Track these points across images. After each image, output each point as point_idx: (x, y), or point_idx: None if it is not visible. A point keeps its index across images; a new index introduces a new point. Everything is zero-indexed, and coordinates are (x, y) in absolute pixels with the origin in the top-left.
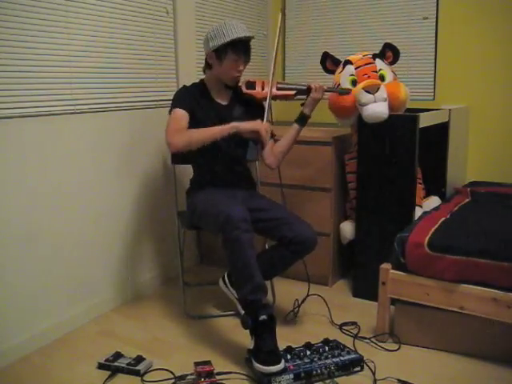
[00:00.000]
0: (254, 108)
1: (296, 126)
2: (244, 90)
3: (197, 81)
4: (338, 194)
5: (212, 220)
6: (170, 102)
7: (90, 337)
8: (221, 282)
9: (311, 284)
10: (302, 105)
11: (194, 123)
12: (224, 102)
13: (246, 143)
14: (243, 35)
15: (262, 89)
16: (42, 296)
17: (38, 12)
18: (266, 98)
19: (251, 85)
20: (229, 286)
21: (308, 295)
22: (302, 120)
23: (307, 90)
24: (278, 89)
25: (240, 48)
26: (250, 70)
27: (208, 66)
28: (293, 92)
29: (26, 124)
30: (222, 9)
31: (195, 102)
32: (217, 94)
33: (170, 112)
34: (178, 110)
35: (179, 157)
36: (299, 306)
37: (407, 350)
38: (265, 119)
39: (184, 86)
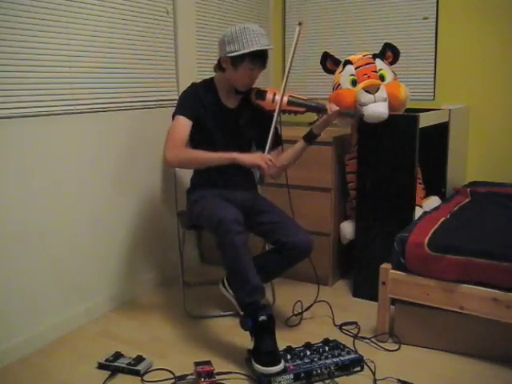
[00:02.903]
0: (261, 116)
1: (303, 142)
2: (253, 100)
3: (207, 77)
4: (338, 194)
5: (206, 222)
6: (173, 102)
7: (90, 337)
8: (221, 286)
9: (311, 284)
10: (311, 123)
11: (199, 127)
12: (232, 106)
13: (249, 148)
14: (265, 46)
15: (273, 100)
16: (42, 296)
17: (37, 12)
18: (274, 111)
19: (261, 94)
20: (228, 289)
21: (315, 301)
22: (310, 138)
23: (321, 110)
24: (289, 103)
25: (258, 59)
26: None
27: (220, 68)
28: (303, 109)
29: (26, 124)
30: (222, 9)
31: (201, 106)
32: (225, 97)
33: (173, 116)
34: (181, 118)
35: None
36: (302, 313)
37: (407, 350)
38: (266, 150)
39: (193, 83)
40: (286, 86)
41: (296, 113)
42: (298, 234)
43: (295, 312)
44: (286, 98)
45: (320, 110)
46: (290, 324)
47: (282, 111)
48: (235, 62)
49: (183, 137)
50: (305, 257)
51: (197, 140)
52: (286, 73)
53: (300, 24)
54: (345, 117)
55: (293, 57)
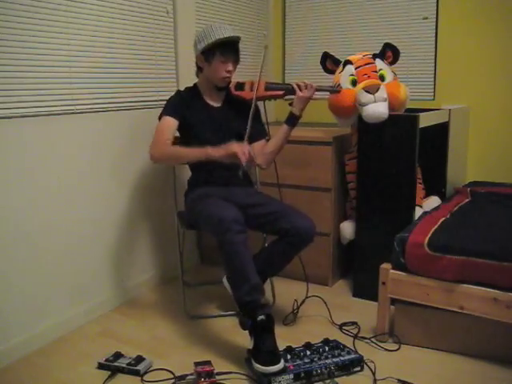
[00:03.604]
0: (246, 109)
1: (285, 126)
2: (233, 91)
3: (190, 85)
4: (338, 194)
5: (206, 222)
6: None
7: (90, 337)
8: (224, 280)
9: (311, 284)
10: (291, 104)
11: (188, 128)
12: (217, 104)
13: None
14: (228, 35)
15: (251, 89)
16: (42, 296)
17: (37, 12)
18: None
19: (240, 86)
20: None
21: (307, 297)
22: (291, 120)
23: (292, 89)
24: (266, 89)
25: (227, 49)
26: (250, 70)
27: (199, 70)
28: (281, 92)
29: (26, 124)
30: (222, 9)
31: (186, 107)
32: (209, 97)
33: (159, 117)
34: (166, 118)
35: None
36: (298, 308)
37: (407, 349)
38: (245, 138)
39: (178, 90)
40: (261, 73)
41: (276, 97)
42: (300, 219)
43: (294, 311)
44: (262, 85)
45: (290, 89)
46: (285, 323)
47: (262, 98)
48: (208, 58)
49: (167, 134)
50: (309, 241)
51: (187, 141)
52: (262, 61)
53: (265, 48)
54: (329, 95)
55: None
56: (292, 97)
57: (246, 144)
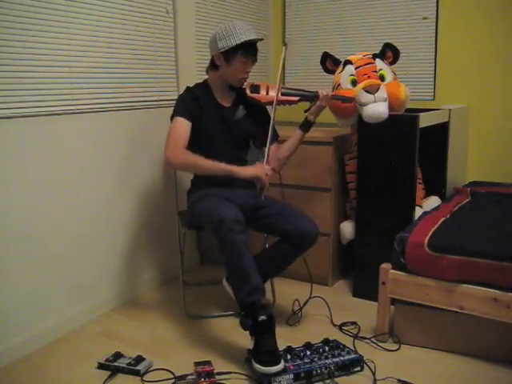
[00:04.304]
0: (256, 111)
1: (299, 132)
2: (248, 93)
3: (200, 81)
4: (338, 193)
5: (207, 222)
6: (173, 102)
7: (90, 337)
8: (224, 282)
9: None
10: (306, 111)
11: (198, 127)
12: (227, 104)
13: (247, 144)
14: (254, 37)
15: (267, 93)
16: (42, 296)
17: (38, 12)
18: (270, 103)
19: (255, 88)
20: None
21: (310, 297)
22: (306, 126)
23: (314, 97)
24: (283, 94)
25: (250, 51)
26: (253, 70)
27: (213, 67)
28: (296, 98)
29: (27, 124)
30: (222, 9)
31: (198, 106)
32: (220, 96)
33: (171, 118)
34: (179, 119)
35: None
36: (301, 309)
37: (407, 350)
38: (265, 160)
39: (187, 87)
40: (280, 75)
41: (290, 103)
42: (303, 220)
43: (297, 312)
44: (280, 90)
45: (312, 97)
46: (290, 323)
47: (277, 103)
48: (228, 57)
49: (184, 138)
50: (312, 243)
51: (195, 139)
52: (282, 60)
53: (285, 45)
54: (340, 103)
55: (281, 74)
56: (306, 102)
57: (268, 167)
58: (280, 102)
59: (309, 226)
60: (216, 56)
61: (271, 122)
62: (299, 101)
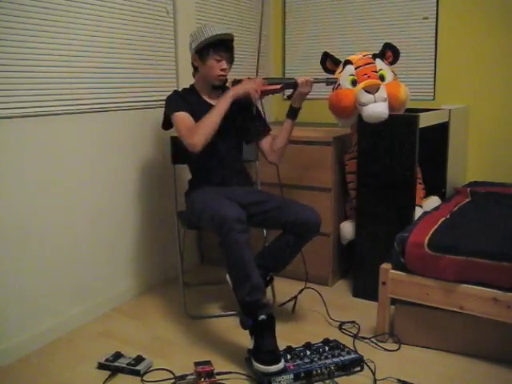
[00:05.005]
0: (242, 105)
1: (289, 120)
2: (230, 87)
3: (188, 86)
4: (338, 194)
5: (208, 221)
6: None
7: (91, 337)
8: (228, 277)
9: (311, 284)
10: (289, 97)
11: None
12: (214, 103)
13: (236, 141)
14: (221, 33)
15: None
16: (43, 296)
17: (38, 12)
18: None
19: (237, 82)
20: None
21: (305, 287)
22: (293, 113)
23: (294, 84)
24: (264, 84)
25: (221, 47)
26: (250, 69)
27: (195, 70)
28: (279, 86)
29: (26, 124)
30: (221, 9)
31: (188, 104)
32: (207, 96)
33: (165, 115)
34: (180, 113)
35: (179, 156)
36: (296, 297)
37: (407, 349)
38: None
39: (175, 91)
40: (258, 67)
41: (274, 92)
42: (304, 210)
43: (290, 303)
44: (261, 80)
45: (292, 84)
46: (282, 308)
47: (262, 93)
48: (202, 57)
49: (192, 122)
50: (316, 231)
51: None
52: (257, 55)
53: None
54: (326, 85)
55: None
56: (290, 90)
57: (258, 79)
58: (265, 93)
59: (310, 215)
60: (193, 57)
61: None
62: (282, 88)
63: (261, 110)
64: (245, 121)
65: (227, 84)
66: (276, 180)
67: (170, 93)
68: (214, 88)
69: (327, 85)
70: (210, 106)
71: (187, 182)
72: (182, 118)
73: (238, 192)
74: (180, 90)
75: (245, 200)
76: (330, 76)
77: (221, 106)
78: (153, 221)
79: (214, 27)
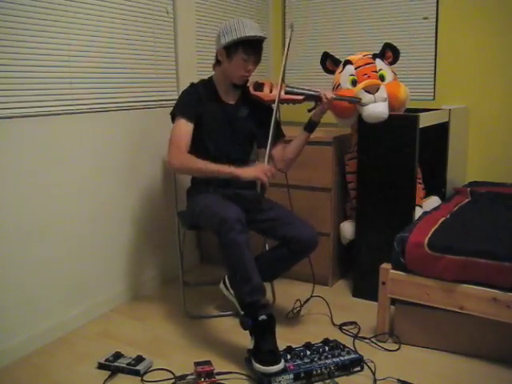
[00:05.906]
0: (260, 110)
1: (305, 133)
2: (251, 91)
3: (206, 77)
4: (338, 194)
5: (208, 221)
6: (173, 102)
7: (90, 337)
8: (221, 285)
9: (311, 284)
10: (310, 111)
11: (201, 125)
12: (231, 102)
13: (250, 143)
14: (254, 34)
15: (270, 91)
16: (42, 296)
17: (37, 12)
18: (273, 101)
19: (259, 86)
20: (229, 288)
21: (312, 296)
22: (311, 127)
23: (317, 98)
24: (286, 92)
25: (250, 48)
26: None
27: (218, 63)
28: (301, 97)
29: (26, 124)
30: (222, 9)
31: (200, 104)
32: (224, 93)
33: (173, 118)
34: (182, 121)
35: None
36: (301, 306)
37: (407, 350)
38: (266, 159)
39: (192, 83)
40: (283, 76)
41: (294, 102)
42: (303, 228)
43: (294, 310)
44: (282, 88)
45: (316, 97)
46: (289, 316)
47: (281, 101)
48: (230, 53)
49: (186, 141)
50: (311, 250)
51: (198, 136)
52: (283, 63)
53: (291, 28)
54: (347, 103)
55: (286, 55)
56: (310, 102)
57: (268, 166)
58: (284, 101)
59: (308, 234)
60: (219, 51)
61: (272, 119)
62: (304, 100)
63: (278, 116)
64: (261, 126)
65: (248, 84)
66: (277, 180)
67: (170, 93)
68: (234, 86)
69: (349, 103)
70: (224, 106)
71: (190, 180)
72: (180, 128)
73: (241, 195)
74: (197, 81)
75: (247, 204)
76: (355, 97)
77: (221, 171)
78: (153, 221)
79: (247, 25)
